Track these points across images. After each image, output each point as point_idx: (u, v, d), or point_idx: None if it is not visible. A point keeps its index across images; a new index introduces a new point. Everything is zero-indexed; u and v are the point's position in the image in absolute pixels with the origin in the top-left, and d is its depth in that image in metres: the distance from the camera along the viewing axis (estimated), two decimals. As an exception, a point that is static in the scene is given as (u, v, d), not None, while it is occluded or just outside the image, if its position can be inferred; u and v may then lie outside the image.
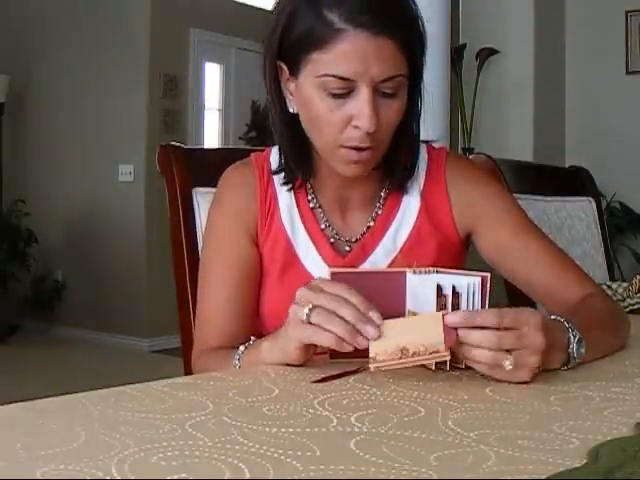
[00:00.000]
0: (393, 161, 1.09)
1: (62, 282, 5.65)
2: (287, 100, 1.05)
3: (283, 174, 1.12)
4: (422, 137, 1.15)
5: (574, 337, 0.86)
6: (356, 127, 0.98)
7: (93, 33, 5.50)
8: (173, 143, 1.37)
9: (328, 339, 0.83)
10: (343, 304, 0.83)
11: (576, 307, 1.02)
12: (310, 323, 0.84)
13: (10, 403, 0.69)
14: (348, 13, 0.95)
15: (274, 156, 1.14)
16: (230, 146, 5.36)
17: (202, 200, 1.30)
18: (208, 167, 1.28)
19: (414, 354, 0.79)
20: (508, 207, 1.15)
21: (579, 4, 4.59)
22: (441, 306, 0.86)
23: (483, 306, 0.86)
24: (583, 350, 0.86)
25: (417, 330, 0.81)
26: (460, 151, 4.33)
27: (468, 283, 0.85)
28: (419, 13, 1.02)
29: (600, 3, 4.54)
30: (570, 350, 0.86)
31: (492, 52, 4.32)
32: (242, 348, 0.97)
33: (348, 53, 0.95)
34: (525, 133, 4.37)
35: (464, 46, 4.37)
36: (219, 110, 5.89)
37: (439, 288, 0.86)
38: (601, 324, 0.97)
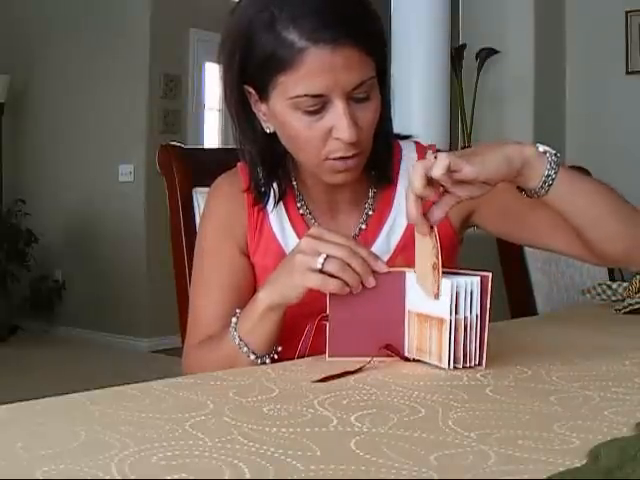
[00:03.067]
0: (374, 156, 1.08)
1: (62, 282, 5.65)
2: (261, 121, 1.05)
3: (255, 194, 1.12)
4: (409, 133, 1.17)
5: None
6: (337, 139, 0.98)
7: (93, 33, 5.50)
8: (173, 143, 1.37)
9: (335, 285, 0.89)
10: (353, 254, 0.89)
11: None
12: (321, 271, 0.89)
13: (10, 403, 0.69)
14: (307, 31, 0.93)
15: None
16: (230, 146, 5.34)
17: (202, 200, 1.30)
18: (208, 167, 1.28)
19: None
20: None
21: (579, 4, 4.59)
22: None
23: (484, 306, 0.86)
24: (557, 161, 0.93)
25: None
26: (460, 151, 4.33)
27: (466, 283, 0.85)
28: (374, 8, 1.00)
29: (600, 3, 4.53)
30: (540, 148, 0.92)
31: (492, 52, 4.32)
32: (234, 319, 1.00)
33: (315, 70, 0.94)
34: (525, 133, 4.36)
35: (464, 46, 4.36)
36: (219, 110, 5.89)
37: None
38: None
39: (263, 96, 1.01)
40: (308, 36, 0.93)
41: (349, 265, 0.88)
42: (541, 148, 0.93)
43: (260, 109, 1.03)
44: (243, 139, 1.08)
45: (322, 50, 0.93)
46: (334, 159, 1.00)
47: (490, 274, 0.86)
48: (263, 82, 0.99)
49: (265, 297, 0.96)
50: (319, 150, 1.00)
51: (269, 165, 1.09)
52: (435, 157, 0.86)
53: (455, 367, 0.85)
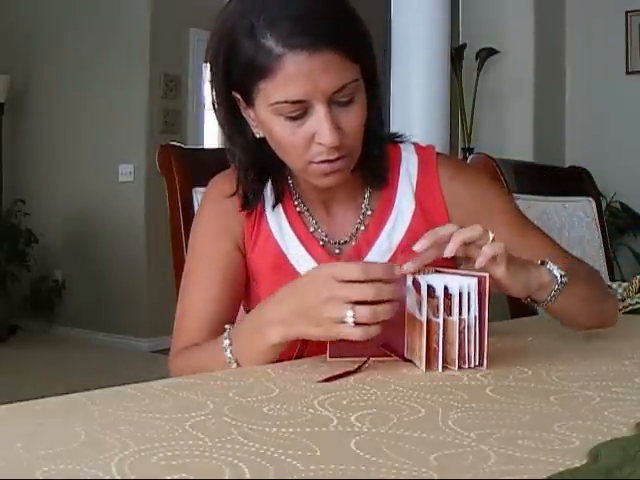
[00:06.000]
0: (366, 157, 1.08)
1: (62, 282, 5.65)
2: (251, 126, 1.05)
3: (242, 200, 1.11)
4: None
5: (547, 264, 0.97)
6: (320, 144, 0.98)
7: (93, 33, 5.50)
8: (173, 143, 1.37)
9: (375, 331, 0.84)
10: (379, 290, 0.84)
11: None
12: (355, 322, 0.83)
13: (10, 403, 0.69)
14: (283, 37, 0.93)
15: None
16: (230, 146, 5.34)
17: (202, 200, 1.30)
18: (208, 167, 1.28)
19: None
20: (504, 205, 1.16)
21: (579, 4, 4.59)
22: (433, 308, 0.86)
23: (482, 306, 0.86)
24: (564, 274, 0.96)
25: None
26: (460, 151, 4.33)
27: (462, 284, 0.85)
28: (354, 11, 1.00)
29: (600, 3, 4.53)
30: (549, 267, 0.96)
31: (492, 52, 4.31)
32: (227, 342, 0.96)
33: (293, 76, 0.94)
34: (525, 133, 4.36)
35: (464, 46, 4.36)
36: (219, 110, 5.89)
37: (431, 289, 0.86)
38: (588, 282, 1.07)
39: (249, 102, 1.01)
40: (284, 42, 0.93)
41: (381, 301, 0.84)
42: (555, 272, 0.96)
43: (249, 114, 1.04)
44: (232, 145, 1.08)
45: (299, 56, 0.93)
46: (319, 162, 1.00)
47: (487, 274, 0.86)
48: (247, 88, 0.99)
49: (279, 336, 0.91)
50: (303, 155, 1.00)
51: (259, 169, 1.09)
52: (488, 234, 0.89)
53: (451, 368, 0.85)
